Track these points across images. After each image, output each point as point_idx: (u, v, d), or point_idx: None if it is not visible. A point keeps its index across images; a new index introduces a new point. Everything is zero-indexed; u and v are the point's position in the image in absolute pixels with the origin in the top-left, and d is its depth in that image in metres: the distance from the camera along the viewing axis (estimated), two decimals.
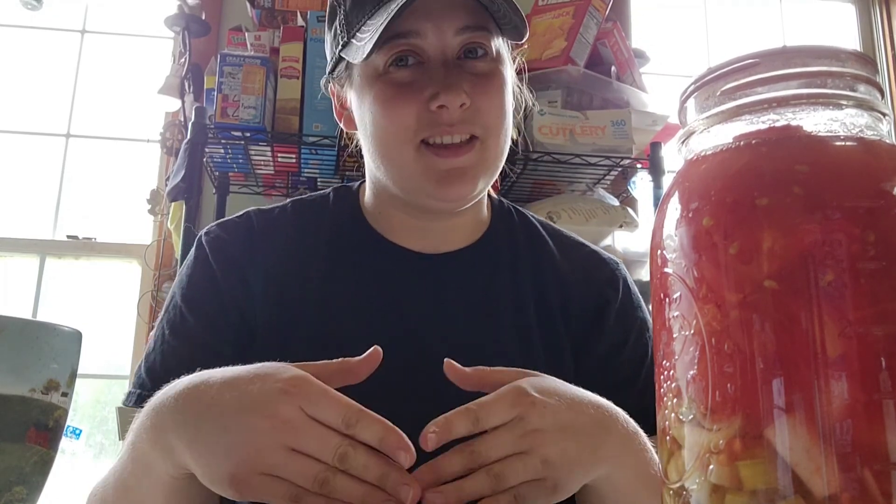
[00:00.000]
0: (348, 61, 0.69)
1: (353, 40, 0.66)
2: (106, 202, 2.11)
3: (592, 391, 0.68)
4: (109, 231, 2.05)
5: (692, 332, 0.25)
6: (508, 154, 0.76)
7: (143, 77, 2.10)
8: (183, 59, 1.85)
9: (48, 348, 0.42)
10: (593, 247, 0.79)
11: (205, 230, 0.74)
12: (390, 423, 0.43)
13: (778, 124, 0.26)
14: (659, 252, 0.27)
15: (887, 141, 0.27)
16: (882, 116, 0.27)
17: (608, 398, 0.67)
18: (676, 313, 0.27)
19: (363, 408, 0.44)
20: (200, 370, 0.62)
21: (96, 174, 2.14)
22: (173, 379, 0.61)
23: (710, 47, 2.51)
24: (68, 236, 2.03)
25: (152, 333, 0.71)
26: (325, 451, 0.42)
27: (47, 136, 2.15)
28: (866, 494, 0.21)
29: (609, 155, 1.64)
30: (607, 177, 1.76)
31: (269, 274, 0.70)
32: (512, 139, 0.83)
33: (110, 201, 2.11)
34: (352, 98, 0.71)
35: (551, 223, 0.81)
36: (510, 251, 0.75)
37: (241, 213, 0.75)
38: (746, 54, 0.27)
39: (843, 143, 0.26)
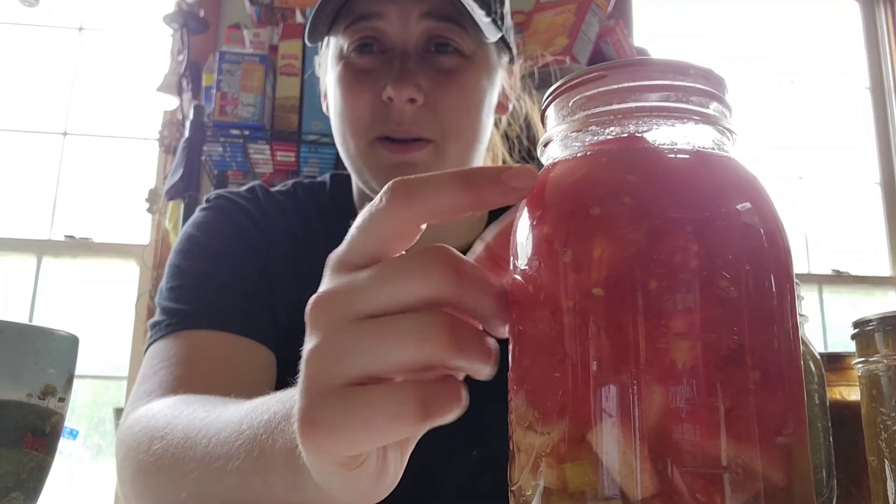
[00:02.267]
0: (327, 42, 0.68)
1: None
2: (103, 201, 2.10)
3: None
4: (107, 230, 2.04)
5: (529, 337, 0.27)
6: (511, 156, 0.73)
7: (141, 75, 2.09)
8: (181, 57, 1.84)
9: (45, 353, 0.41)
10: None
11: (213, 194, 0.72)
12: None
13: (623, 136, 0.28)
14: (511, 259, 0.29)
15: (731, 157, 0.28)
16: (729, 132, 0.28)
17: None
18: (514, 319, 0.28)
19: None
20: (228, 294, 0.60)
21: (94, 173, 2.13)
22: (207, 300, 0.60)
23: (713, 45, 2.51)
24: (66, 236, 2.02)
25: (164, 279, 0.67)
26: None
27: (44, 135, 2.14)
28: (677, 496, 0.23)
29: None
30: None
31: (280, 247, 0.68)
32: (511, 142, 0.81)
33: (108, 200, 2.10)
34: (327, 79, 0.70)
35: None
36: None
37: (246, 186, 0.73)
38: (597, 66, 0.29)
39: (677, 156, 0.27)
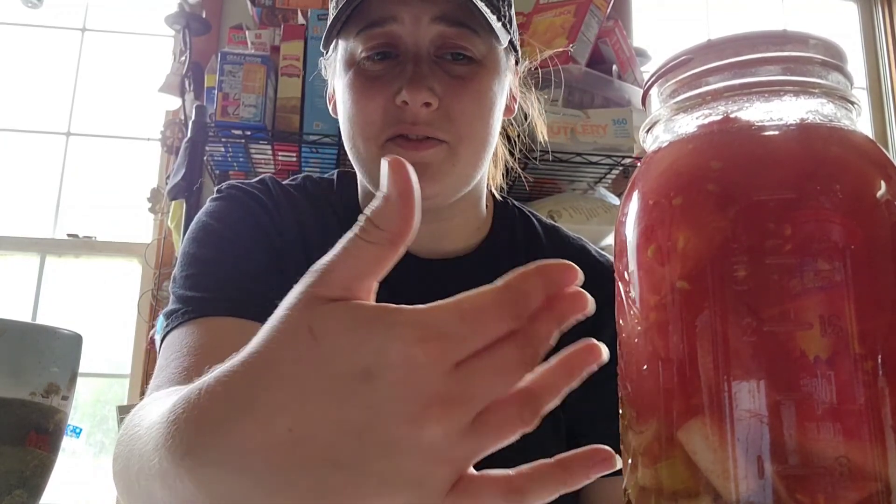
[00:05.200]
0: (335, 44, 0.67)
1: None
2: (106, 201, 2.11)
3: (580, 422, 0.65)
4: (110, 230, 2.05)
5: (624, 335, 0.26)
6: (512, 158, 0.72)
7: (143, 75, 2.10)
8: (183, 58, 1.85)
9: (49, 352, 0.42)
10: (599, 256, 0.74)
11: (224, 184, 0.71)
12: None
13: (710, 119, 0.25)
14: (616, 257, 0.28)
15: (845, 128, 0.25)
16: (850, 104, 0.25)
17: (594, 429, 0.62)
18: (617, 316, 0.27)
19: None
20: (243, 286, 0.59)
21: (97, 172, 2.13)
22: (222, 287, 0.59)
23: None
24: (69, 235, 2.02)
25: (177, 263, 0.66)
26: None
27: (48, 135, 2.14)
28: (775, 497, 0.21)
29: (610, 154, 1.64)
30: (608, 175, 1.76)
31: (292, 237, 0.68)
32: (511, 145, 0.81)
33: (111, 200, 2.10)
34: (335, 84, 0.69)
35: (558, 227, 0.77)
36: (510, 261, 0.72)
37: (257, 178, 0.73)
38: (680, 52, 0.27)
39: (768, 134, 0.24)
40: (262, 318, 0.61)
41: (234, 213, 0.67)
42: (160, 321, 0.63)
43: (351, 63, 0.64)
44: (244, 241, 0.65)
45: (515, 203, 0.77)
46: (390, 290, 0.66)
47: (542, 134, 0.81)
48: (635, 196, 0.26)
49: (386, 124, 0.61)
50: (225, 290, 0.61)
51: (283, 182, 0.73)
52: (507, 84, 0.69)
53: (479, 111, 0.63)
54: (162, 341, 0.60)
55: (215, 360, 0.57)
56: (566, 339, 0.67)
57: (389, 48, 0.62)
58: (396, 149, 0.61)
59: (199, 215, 0.69)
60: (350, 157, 0.67)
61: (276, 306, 0.71)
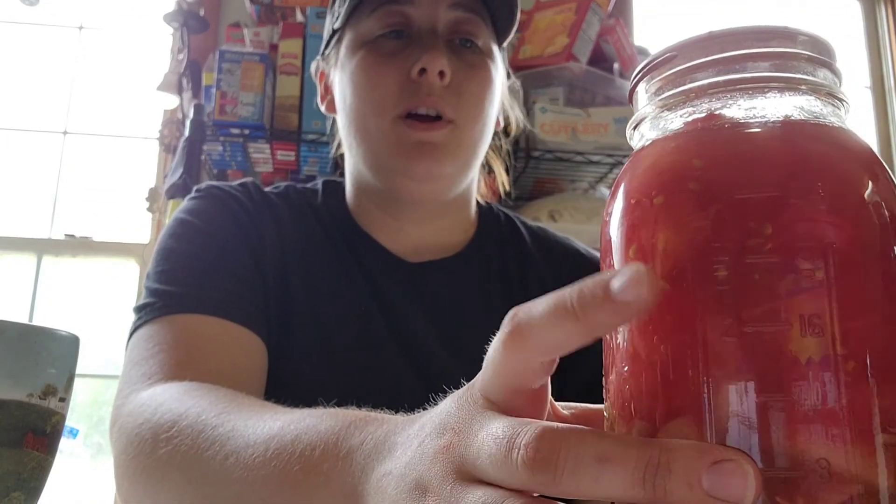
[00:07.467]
0: (339, 37, 0.68)
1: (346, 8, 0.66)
2: (104, 200, 2.10)
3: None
4: (107, 229, 2.04)
5: (607, 336, 0.26)
6: (511, 154, 0.74)
7: (141, 74, 2.09)
8: (181, 56, 1.84)
9: (46, 353, 0.41)
10: (586, 253, 0.75)
11: (203, 184, 0.70)
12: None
13: (694, 116, 0.25)
14: (601, 257, 0.28)
15: (830, 125, 0.24)
16: (839, 101, 0.25)
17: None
18: None
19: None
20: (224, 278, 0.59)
21: (94, 172, 2.13)
22: (200, 279, 0.59)
23: None
24: (66, 235, 2.02)
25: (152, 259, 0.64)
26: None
27: (44, 133, 2.14)
28: (757, 501, 0.21)
29: (612, 153, 1.63)
30: (610, 175, 1.76)
31: (270, 242, 0.66)
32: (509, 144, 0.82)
33: (108, 199, 2.10)
34: (336, 76, 0.69)
35: (543, 228, 0.77)
36: (499, 261, 0.72)
37: (238, 181, 0.72)
38: (666, 48, 0.26)
39: (751, 132, 0.24)
40: (240, 320, 0.59)
41: (215, 211, 0.66)
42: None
43: (362, 44, 0.65)
44: (225, 240, 0.64)
45: (500, 208, 0.79)
46: (379, 295, 0.66)
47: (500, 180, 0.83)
48: (619, 195, 0.26)
49: (401, 99, 0.62)
50: (204, 287, 0.59)
51: (266, 189, 0.73)
52: (501, 88, 0.70)
53: (483, 96, 0.65)
54: (131, 335, 0.58)
55: (202, 358, 0.56)
56: None
57: (403, 27, 0.64)
58: (407, 129, 0.62)
59: (177, 213, 0.67)
60: (353, 141, 0.67)
61: (254, 308, 0.68)
